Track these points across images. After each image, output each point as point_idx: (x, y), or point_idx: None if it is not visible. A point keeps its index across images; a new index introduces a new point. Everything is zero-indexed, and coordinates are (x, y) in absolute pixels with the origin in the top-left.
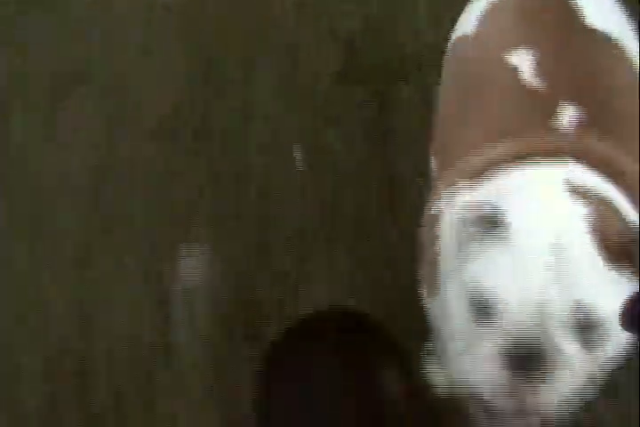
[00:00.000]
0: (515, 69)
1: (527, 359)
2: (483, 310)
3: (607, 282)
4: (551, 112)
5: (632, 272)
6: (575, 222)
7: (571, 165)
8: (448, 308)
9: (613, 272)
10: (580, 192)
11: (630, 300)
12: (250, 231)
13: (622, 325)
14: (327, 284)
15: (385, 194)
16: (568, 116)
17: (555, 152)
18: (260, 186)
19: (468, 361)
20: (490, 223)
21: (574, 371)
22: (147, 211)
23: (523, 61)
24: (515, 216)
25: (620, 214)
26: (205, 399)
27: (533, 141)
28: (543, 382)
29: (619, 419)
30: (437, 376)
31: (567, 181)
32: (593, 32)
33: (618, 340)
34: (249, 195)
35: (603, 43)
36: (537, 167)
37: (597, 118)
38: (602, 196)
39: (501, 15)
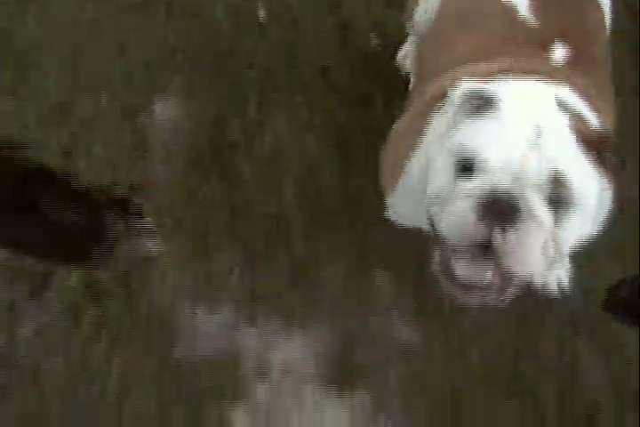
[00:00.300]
0: (512, 6)
1: (500, 210)
2: (466, 167)
3: (583, 165)
4: (545, 46)
5: (603, 171)
6: (558, 116)
7: (563, 86)
8: (432, 169)
9: (588, 161)
10: (564, 106)
11: (614, 286)
12: (221, 81)
13: (607, 309)
14: (289, 125)
15: (340, 43)
16: (560, 52)
17: (548, 75)
18: (228, 40)
19: (445, 210)
20: (483, 103)
21: (542, 232)
22: (126, 67)
23: (521, 1)
24: (507, 101)
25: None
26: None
27: (532, 63)
28: (512, 232)
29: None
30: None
31: (556, 96)
32: None
33: (584, 221)
34: (220, 47)
35: None
36: (533, 81)
37: (579, 58)
38: (582, 114)
39: None
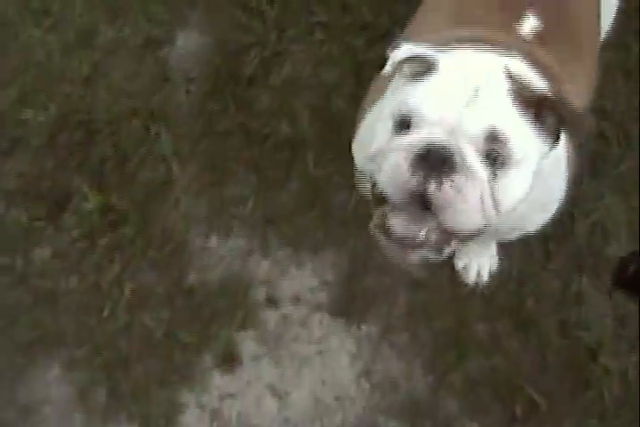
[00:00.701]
0: None
1: (434, 161)
2: (404, 123)
3: (520, 124)
4: (516, 17)
5: (544, 131)
6: (498, 79)
7: (511, 55)
8: (375, 128)
9: (526, 120)
10: (508, 72)
11: (623, 261)
12: (242, 15)
13: (615, 284)
14: (308, 58)
15: None
16: (529, 24)
17: (508, 45)
18: None
19: (382, 164)
20: (424, 67)
21: (477, 185)
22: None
23: None
24: (447, 65)
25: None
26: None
27: (489, 32)
28: (447, 184)
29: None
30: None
31: (501, 63)
32: None
33: (524, 178)
34: None
35: None
36: (481, 50)
37: (550, 35)
38: (529, 82)
39: None
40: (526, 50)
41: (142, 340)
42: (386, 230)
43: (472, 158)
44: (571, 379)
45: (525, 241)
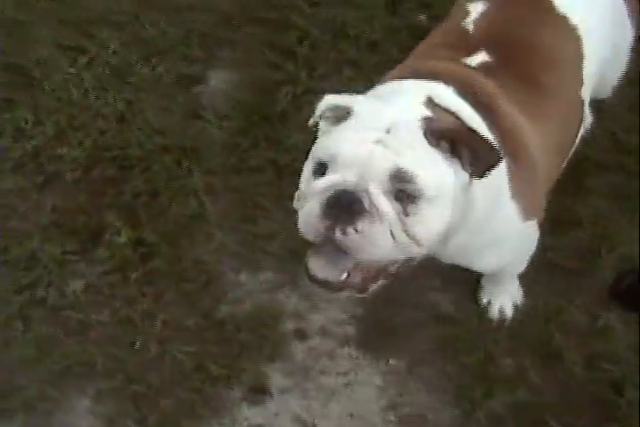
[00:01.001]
0: (467, 14)
1: (341, 205)
2: (320, 167)
3: (431, 159)
4: (469, 52)
5: (452, 156)
6: (414, 114)
7: (445, 86)
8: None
9: (436, 153)
10: (434, 103)
11: (618, 275)
12: (274, 54)
13: (611, 296)
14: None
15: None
16: (479, 58)
17: (443, 76)
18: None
19: (302, 208)
20: (343, 112)
21: (383, 224)
22: (182, 36)
23: (475, 9)
24: (363, 107)
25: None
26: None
27: (435, 63)
28: (352, 227)
29: None
30: None
31: (428, 95)
32: (552, 12)
33: (442, 210)
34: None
35: (555, 21)
36: (415, 82)
37: (505, 70)
38: (457, 112)
39: None
40: (468, 78)
41: (172, 372)
42: (308, 272)
43: (379, 199)
44: (595, 413)
45: (552, 275)
